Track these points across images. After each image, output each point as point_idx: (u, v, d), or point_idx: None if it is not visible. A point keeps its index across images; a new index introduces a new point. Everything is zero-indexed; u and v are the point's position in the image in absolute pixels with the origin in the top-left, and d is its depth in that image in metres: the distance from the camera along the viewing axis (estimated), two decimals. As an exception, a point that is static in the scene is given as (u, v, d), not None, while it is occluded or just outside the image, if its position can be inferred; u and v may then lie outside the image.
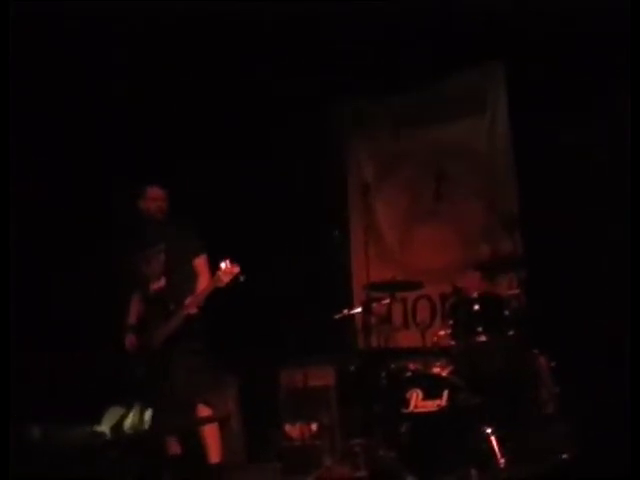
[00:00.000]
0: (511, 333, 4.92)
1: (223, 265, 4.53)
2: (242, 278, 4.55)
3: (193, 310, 4.65)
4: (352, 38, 6.09)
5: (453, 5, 5.63)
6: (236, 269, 4.53)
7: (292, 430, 5.67)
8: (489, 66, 6.43)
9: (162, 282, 4.91)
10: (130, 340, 4.94)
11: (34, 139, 5.95)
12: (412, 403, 4.77)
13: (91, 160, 6.18)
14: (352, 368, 5.75)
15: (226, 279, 4.52)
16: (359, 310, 5.77)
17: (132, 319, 5.07)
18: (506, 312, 5.00)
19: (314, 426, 5.66)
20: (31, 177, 5.93)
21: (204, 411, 4.73)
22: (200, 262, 4.86)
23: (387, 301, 5.68)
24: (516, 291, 5.26)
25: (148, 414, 4.80)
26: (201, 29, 5.83)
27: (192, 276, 4.83)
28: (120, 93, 6.19)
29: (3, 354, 3.86)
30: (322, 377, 5.91)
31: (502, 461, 4.37)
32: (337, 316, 5.75)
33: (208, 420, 4.71)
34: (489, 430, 4.47)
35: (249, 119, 6.70)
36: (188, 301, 4.64)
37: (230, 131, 6.70)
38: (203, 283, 4.75)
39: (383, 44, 6.16)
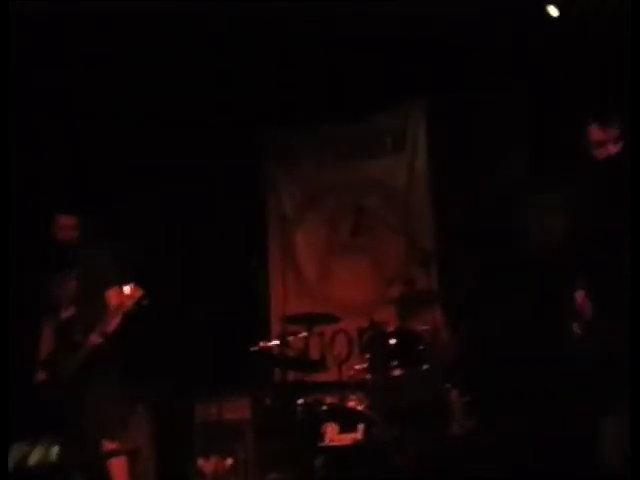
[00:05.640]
0: (425, 367, 4.98)
1: (126, 289, 4.46)
2: (146, 302, 4.48)
3: (96, 340, 4.52)
4: (277, 70, 6.16)
5: (379, 43, 5.76)
6: (139, 293, 4.46)
7: (206, 465, 5.57)
8: (410, 105, 6.59)
9: (71, 310, 4.78)
10: (40, 376, 4.78)
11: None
12: (328, 437, 4.78)
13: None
14: (268, 401, 5.69)
15: (129, 303, 4.45)
16: (276, 343, 5.75)
17: (43, 354, 4.91)
18: (420, 347, 5.08)
19: (229, 461, 5.58)
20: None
21: (110, 445, 4.61)
22: (112, 295, 4.70)
23: (304, 334, 5.68)
24: (428, 327, 5.34)
25: (55, 450, 4.65)
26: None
27: (102, 308, 4.69)
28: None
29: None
30: (237, 410, 5.83)
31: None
32: (253, 348, 5.70)
33: (115, 454, 4.59)
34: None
35: (170, 147, 6.66)
36: (94, 333, 4.53)
37: (151, 159, 6.64)
38: None
39: (308, 78, 6.24)
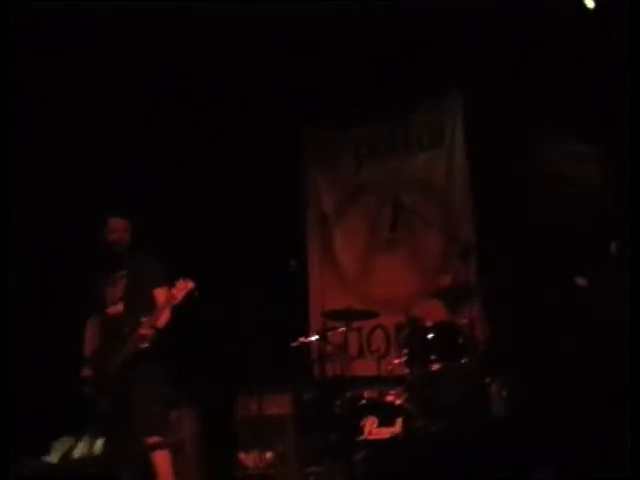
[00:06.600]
0: (464, 361, 4.97)
1: (178, 282, 4.58)
2: (197, 294, 4.59)
3: (147, 331, 4.60)
4: (315, 70, 6.20)
5: (413, 38, 5.76)
6: (190, 284, 4.58)
7: (247, 459, 5.64)
8: (447, 98, 6.57)
9: (120, 307, 4.86)
10: (85, 372, 4.88)
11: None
12: (367, 430, 4.80)
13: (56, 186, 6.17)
14: (307, 396, 5.73)
15: (180, 295, 4.56)
16: (315, 338, 5.79)
17: (87, 351, 5.01)
18: (460, 340, 5.06)
19: (269, 455, 5.63)
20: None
21: (152, 439, 4.66)
22: (160, 293, 4.82)
23: (342, 329, 5.71)
24: (466, 320, 5.32)
25: (98, 443, 4.74)
26: (168, 53, 5.87)
27: (150, 305, 4.79)
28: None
29: None
30: (278, 405, 5.84)
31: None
32: (294, 344, 5.75)
33: (158, 446, 4.64)
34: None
35: (212, 148, 6.74)
36: (144, 321, 4.61)
37: (192, 160, 6.73)
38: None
39: (345, 77, 6.27)
